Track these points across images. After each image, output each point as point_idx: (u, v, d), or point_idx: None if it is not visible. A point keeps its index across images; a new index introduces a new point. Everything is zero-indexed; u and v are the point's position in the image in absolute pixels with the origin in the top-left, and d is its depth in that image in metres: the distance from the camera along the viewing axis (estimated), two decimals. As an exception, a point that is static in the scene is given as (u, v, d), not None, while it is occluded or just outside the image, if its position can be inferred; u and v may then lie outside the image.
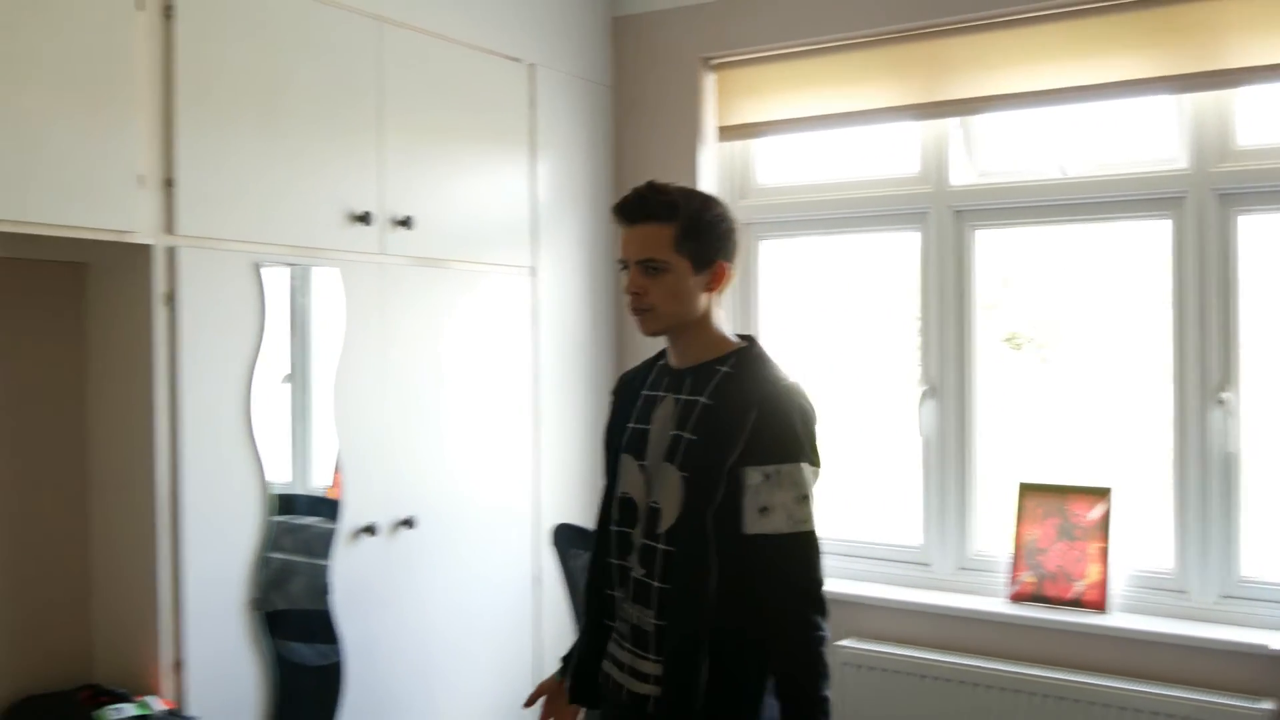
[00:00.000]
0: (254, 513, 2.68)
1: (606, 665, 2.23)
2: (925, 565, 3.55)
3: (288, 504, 2.88)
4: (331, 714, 2.87)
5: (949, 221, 3.49)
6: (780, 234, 3.84)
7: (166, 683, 2.54)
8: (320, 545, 2.88)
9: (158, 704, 2.44)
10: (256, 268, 2.68)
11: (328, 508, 2.93)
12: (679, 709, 2.03)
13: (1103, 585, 3.21)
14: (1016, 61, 3.31)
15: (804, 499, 2.03)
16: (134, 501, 2.56)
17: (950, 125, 3.49)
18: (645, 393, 2.23)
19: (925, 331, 3.56)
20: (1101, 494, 3.27)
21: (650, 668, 2.10)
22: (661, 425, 2.15)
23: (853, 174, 3.71)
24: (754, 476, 2.02)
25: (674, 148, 3.76)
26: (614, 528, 2.20)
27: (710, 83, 3.77)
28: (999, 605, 3.34)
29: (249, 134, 2.65)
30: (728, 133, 3.78)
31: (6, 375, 2.57)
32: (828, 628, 2.02)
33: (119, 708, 2.38)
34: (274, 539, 2.73)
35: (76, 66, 2.33)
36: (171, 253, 2.50)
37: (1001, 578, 3.40)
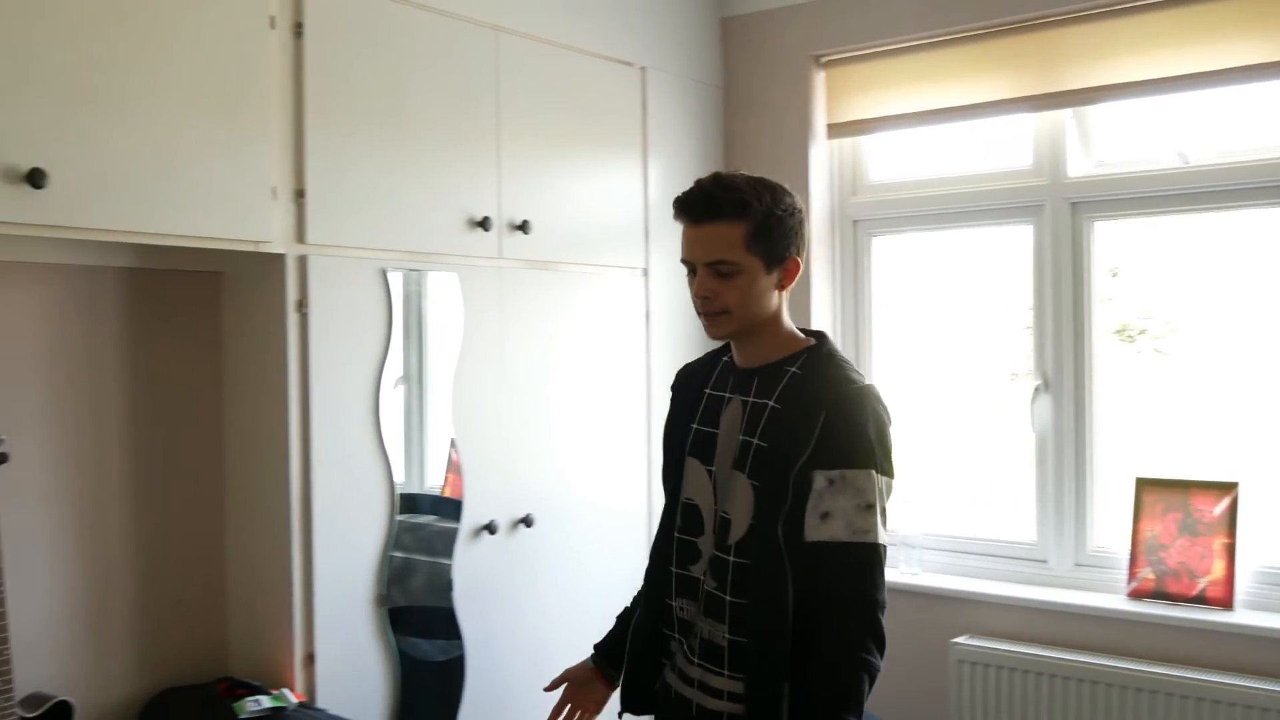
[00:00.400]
0: (381, 512, 2.76)
1: (670, 678, 2.16)
2: (1041, 562, 3.52)
3: (411, 503, 2.96)
4: (454, 707, 2.95)
5: (1065, 213, 3.45)
6: (891, 230, 3.83)
7: (298, 676, 2.63)
8: (442, 543, 2.96)
9: (291, 697, 2.53)
10: (383, 273, 2.76)
11: (449, 507, 3.01)
12: None
13: (1228, 582, 3.15)
14: (1132, 49, 3.26)
15: (868, 508, 1.91)
16: (268, 502, 2.66)
17: (1065, 116, 3.45)
18: (710, 392, 2.13)
19: (1039, 325, 3.53)
20: (1227, 488, 3.20)
21: (725, 684, 2.02)
22: (729, 429, 2.05)
23: (964, 168, 3.68)
24: (819, 481, 1.91)
25: (784, 146, 3.77)
26: (677, 535, 2.12)
27: (820, 80, 3.78)
28: (1118, 602, 3.30)
29: (373, 144, 2.73)
30: (837, 130, 3.78)
31: (149, 381, 2.68)
32: (878, 657, 1.90)
33: (256, 699, 2.47)
34: (398, 537, 2.82)
35: (214, 84, 2.42)
36: (302, 261, 2.59)
37: (1120, 574, 3.35)
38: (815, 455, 1.91)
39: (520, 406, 3.14)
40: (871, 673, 1.90)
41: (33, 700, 2.30)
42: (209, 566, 2.79)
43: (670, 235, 3.60)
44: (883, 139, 3.81)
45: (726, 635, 2.01)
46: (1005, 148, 3.61)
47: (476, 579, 3.00)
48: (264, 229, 2.52)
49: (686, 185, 3.61)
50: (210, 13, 2.41)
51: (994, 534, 3.65)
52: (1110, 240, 3.48)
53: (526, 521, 3.12)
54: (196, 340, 2.76)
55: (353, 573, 2.72)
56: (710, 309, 2.02)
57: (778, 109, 3.81)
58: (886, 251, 3.86)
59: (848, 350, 3.83)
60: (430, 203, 2.87)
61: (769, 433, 1.98)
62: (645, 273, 3.57)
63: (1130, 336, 3.57)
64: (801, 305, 3.74)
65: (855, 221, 3.84)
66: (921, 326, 3.87)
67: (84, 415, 2.57)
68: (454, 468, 3.02)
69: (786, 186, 2.05)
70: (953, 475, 3.79)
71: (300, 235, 2.58)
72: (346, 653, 2.71)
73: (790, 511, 1.91)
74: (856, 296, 3.85)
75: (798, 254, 2.05)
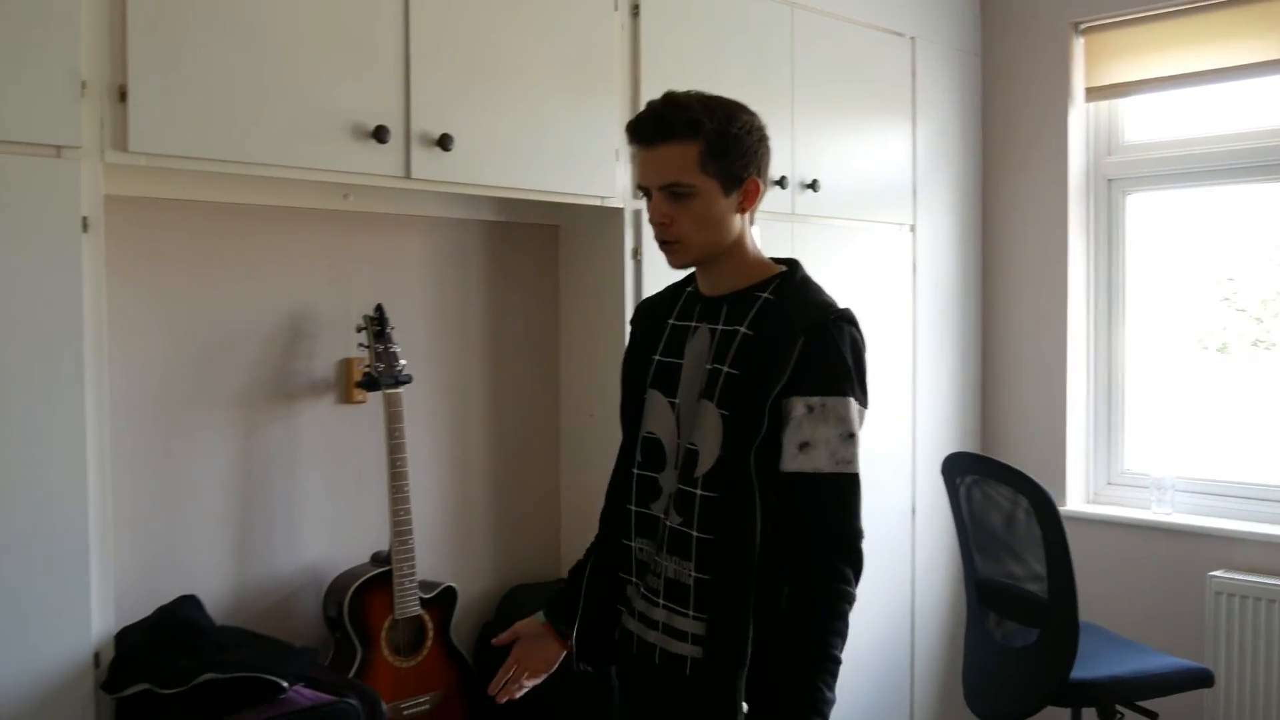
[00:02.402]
0: (696, 437, 3.13)
1: (630, 623, 2.02)
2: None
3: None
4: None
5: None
6: (1148, 187, 4.00)
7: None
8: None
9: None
10: (700, 226, 3.11)
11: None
12: (722, 671, 1.83)
13: None
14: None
15: (850, 437, 1.83)
16: (597, 429, 3.05)
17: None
18: (674, 323, 2.03)
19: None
20: None
21: (690, 625, 1.90)
22: (696, 359, 1.95)
23: (1222, 127, 3.83)
24: (798, 408, 1.81)
25: (1042, 111, 3.99)
26: (637, 471, 2.01)
27: (1079, 46, 3.97)
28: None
29: (691, 111, 3.08)
30: (1096, 93, 3.97)
31: (501, 319, 3.12)
32: (856, 586, 1.85)
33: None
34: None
35: (569, 61, 2.81)
36: (638, 214, 2.97)
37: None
38: (793, 381, 1.82)
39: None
40: (850, 603, 1.84)
41: (424, 585, 2.74)
42: (546, 484, 3.22)
43: (934, 195, 3.89)
44: (1137, 101, 3.98)
45: (693, 573, 1.89)
46: (1262, 108, 3.75)
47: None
48: (607, 185, 2.90)
49: (949, 148, 3.97)
50: (568, -1, 2.80)
51: (1249, 477, 3.81)
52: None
53: (813, 453, 3.44)
54: (538, 284, 3.18)
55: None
56: (667, 236, 1.91)
57: (1035, 75, 4.02)
58: (1140, 210, 4.03)
59: (1101, 305, 4.04)
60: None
61: (741, 360, 1.88)
62: (913, 229, 3.84)
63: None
64: (1058, 262, 3.97)
65: (1110, 180, 4.03)
66: (1180, 283, 4.03)
67: (454, 349, 3.02)
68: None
69: (745, 105, 1.96)
70: (1208, 421, 3.96)
71: (635, 192, 2.95)
72: None
73: (764, 441, 1.82)
74: (1110, 253, 4.04)
75: (758, 175, 1.94)
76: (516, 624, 2.21)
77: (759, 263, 2.00)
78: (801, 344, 1.83)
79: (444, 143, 2.52)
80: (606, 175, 2.89)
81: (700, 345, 1.95)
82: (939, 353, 3.98)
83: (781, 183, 3.30)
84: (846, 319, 1.91)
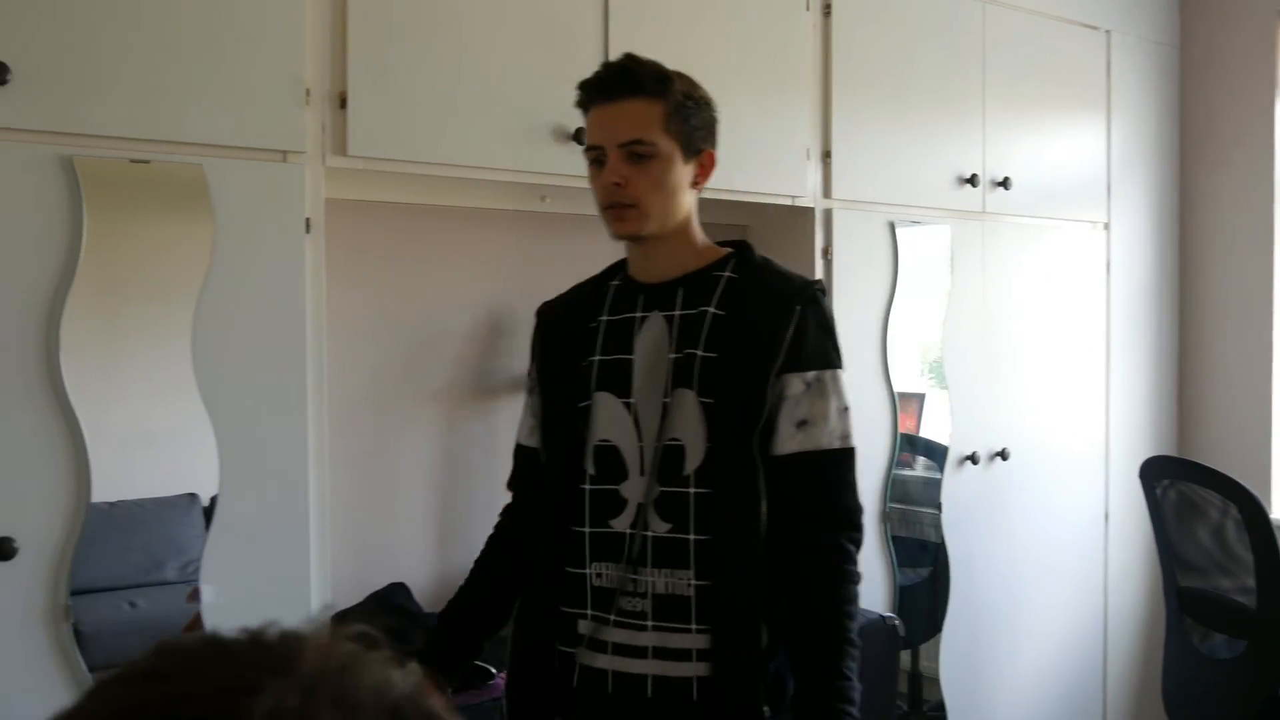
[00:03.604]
0: (886, 437, 3.11)
1: (599, 659, 1.77)
2: None
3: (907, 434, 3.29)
4: (939, 618, 3.25)
5: None
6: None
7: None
8: (933, 469, 3.27)
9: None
10: (891, 226, 3.09)
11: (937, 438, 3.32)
12: (739, 683, 1.69)
13: None
14: None
15: (846, 410, 1.76)
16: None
17: None
18: (608, 319, 1.85)
19: None
20: None
21: (693, 641, 1.71)
22: (653, 348, 1.78)
23: None
24: (794, 385, 1.72)
25: (1245, 105, 3.83)
26: (589, 487, 1.78)
27: (1286, 35, 3.82)
28: None
29: (882, 110, 3.06)
30: (1303, 83, 3.81)
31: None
32: (859, 564, 1.76)
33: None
34: (897, 461, 3.15)
35: (758, 61, 2.82)
36: (828, 214, 2.96)
37: None
38: (789, 358, 1.72)
39: (997, 350, 3.40)
40: (858, 582, 1.74)
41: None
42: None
43: (1129, 192, 3.77)
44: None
45: (693, 581, 1.71)
46: None
47: (959, 503, 3.30)
48: (799, 185, 2.90)
49: (1145, 144, 3.85)
50: (760, 0, 2.81)
51: None
52: None
53: (1003, 455, 3.39)
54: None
55: (863, 491, 3.05)
56: (619, 198, 1.75)
57: (1238, 67, 3.86)
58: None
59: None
60: (927, 162, 3.18)
61: (718, 341, 1.74)
62: (1106, 227, 3.73)
63: None
64: (1262, 262, 3.81)
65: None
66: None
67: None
68: (924, 403, 3.33)
69: None
70: None
71: (826, 191, 2.95)
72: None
73: (765, 425, 1.72)
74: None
75: (713, 149, 1.85)
76: None
77: (706, 245, 1.87)
78: (798, 317, 1.73)
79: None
80: (798, 175, 2.90)
81: (655, 334, 1.79)
82: (1133, 354, 3.86)
83: (972, 180, 3.25)
84: (824, 290, 1.82)
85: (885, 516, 3.11)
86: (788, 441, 1.72)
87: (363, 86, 2.21)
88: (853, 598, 1.72)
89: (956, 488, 3.29)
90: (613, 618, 1.75)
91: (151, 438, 2.16)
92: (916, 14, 3.14)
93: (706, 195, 2.74)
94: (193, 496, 2.17)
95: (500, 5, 2.41)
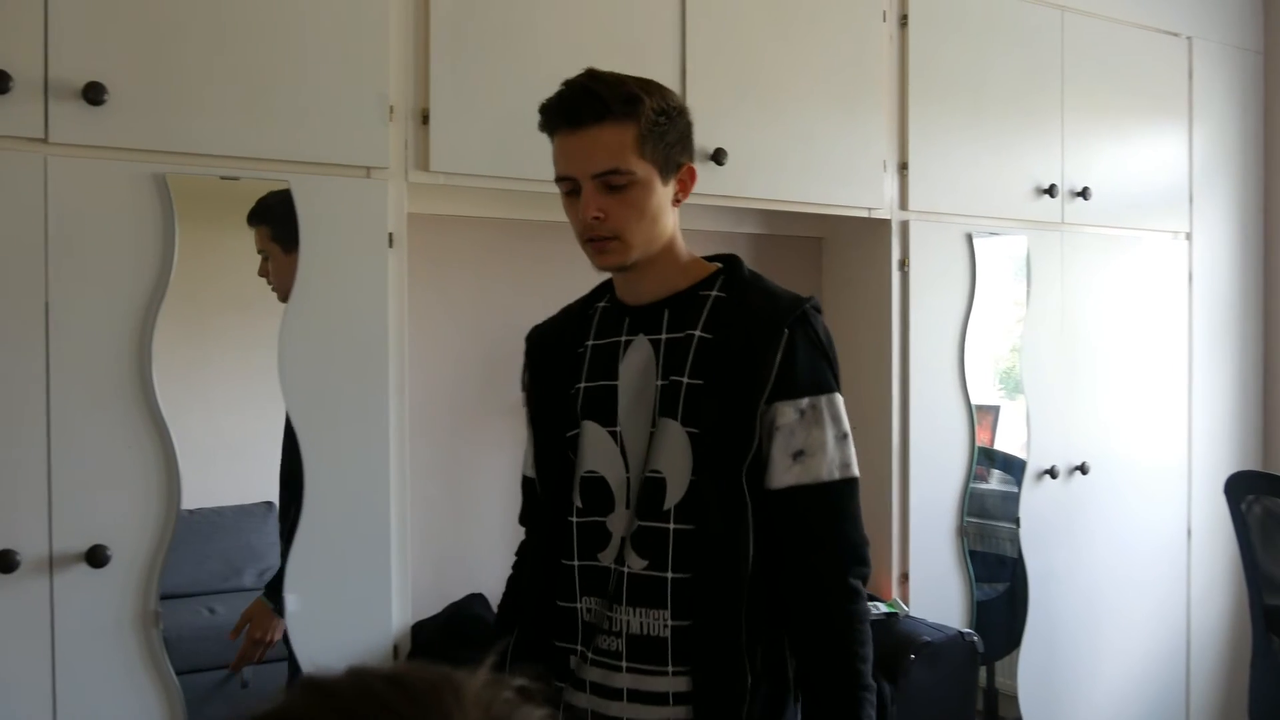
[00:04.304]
0: (963, 451, 3.08)
1: (580, 698, 1.70)
2: None
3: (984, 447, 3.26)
4: (1018, 634, 3.21)
5: None
6: None
7: (894, 592, 2.99)
8: (1011, 484, 3.24)
9: (904, 605, 2.89)
10: (968, 236, 3.07)
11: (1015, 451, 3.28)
12: None
13: None
14: None
15: (845, 437, 1.65)
16: (872, 438, 3.01)
17: None
18: (594, 344, 1.76)
19: None
20: None
21: (669, 684, 1.63)
22: (639, 375, 1.69)
23: None
24: (787, 414, 1.61)
25: (1333, 109, 3.76)
26: (577, 520, 1.71)
27: (1375, 40, 3.73)
28: None
29: (958, 121, 3.04)
30: (1394, 89, 3.72)
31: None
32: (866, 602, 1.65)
33: (876, 605, 2.84)
34: (974, 475, 3.12)
35: (834, 72, 2.81)
36: (904, 225, 2.95)
37: None
38: (779, 385, 1.61)
39: (1076, 363, 3.36)
40: (868, 620, 1.63)
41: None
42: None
43: (1211, 202, 3.71)
44: None
45: (669, 621, 1.63)
46: None
47: (1038, 518, 3.25)
48: (876, 197, 2.89)
49: (1228, 152, 3.77)
50: (837, 11, 2.81)
51: None
52: None
53: (1083, 469, 3.34)
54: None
55: (940, 505, 3.05)
56: (599, 232, 1.63)
57: (1326, 71, 3.79)
58: None
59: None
60: (1004, 172, 3.15)
61: (703, 368, 1.64)
62: (1188, 237, 3.67)
63: None
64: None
65: None
66: None
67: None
68: (998, 416, 3.29)
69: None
70: None
71: (903, 202, 2.94)
72: (934, 575, 3.04)
73: (754, 457, 1.60)
74: None
75: (691, 161, 1.71)
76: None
77: (692, 260, 1.74)
78: (785, 341, 1.61)
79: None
80: (875, 186, 2.88)
81: (641, 359, 1.69)
82: (1217, 366, 3.79)
83: (1051, 191, 3.22)
84: (818, 307, 1.70)
85: (962, 531, 3.08)
86: (784, 474, 1.61)
87: (444, 103, 2.25)
88: (865, 639, 1.61)
89: (1035, 502, 3.24)
90: (590, 655, 1.69)
91: (231, 446, 2.21)
92: (994, 23, 3.11)
93: (780, 207, 2.79)
94: (269, 505, 2.23)
95: (578, 22, 2.44)
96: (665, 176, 1.65)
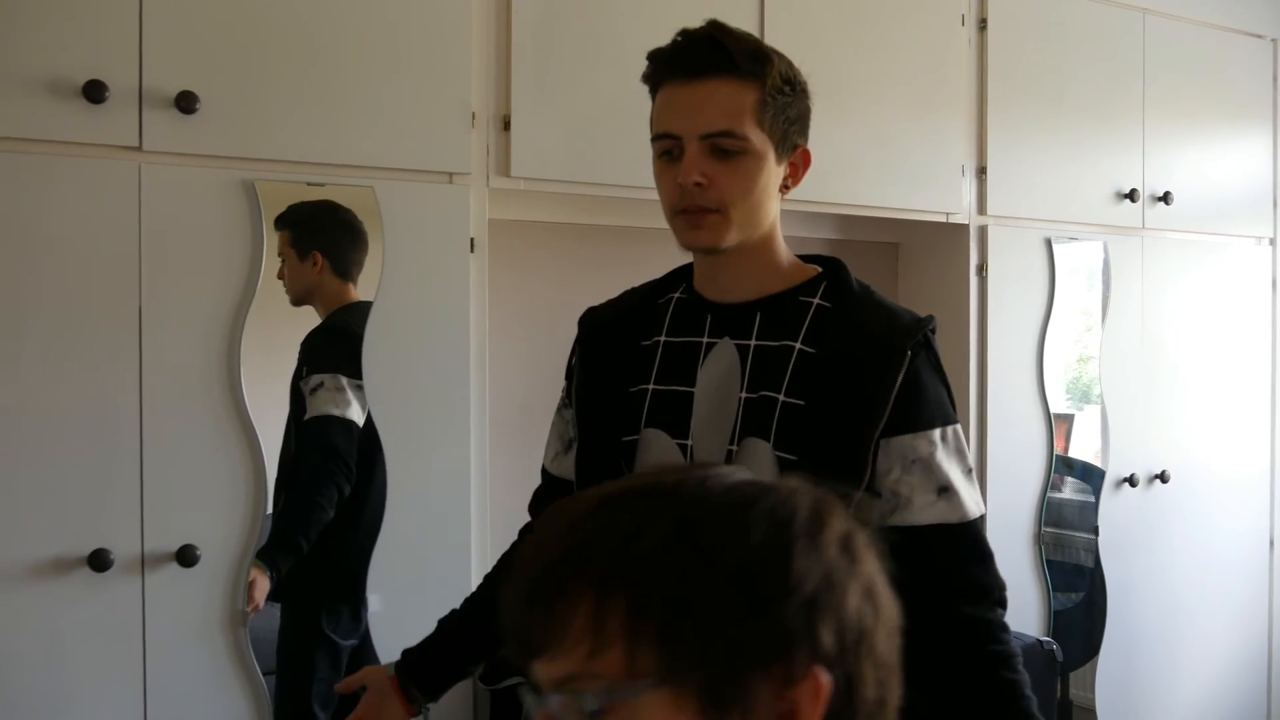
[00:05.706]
0: (1041, 457, 3.04)
1: None
2: None
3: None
4: (1095, 644, 3.17)
5: None
6: None
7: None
8: (1089, 492, 3.19)
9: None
10: (1047, 241, 3.03)
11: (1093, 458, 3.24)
12: None
13: None
14: None
15: (971, 471, 1.48)
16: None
17: None
18: (667, 339, 1.54)
19: None
20: None
21: None
22: (719, 384, 1.48)
23: None
24: (921, 446, 1.42)
25: None
26: None
27: None
28: None
29: (1038, 125, 3.00)
30: None
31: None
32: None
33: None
34: (1052, 482, 3.08)
35: (912, 77, 2.79)
36: (983, 230, 2.92)
37: None
38: (904, 414, 1.42)
39: (1156, 369, 3.30)
40: (1022, 663, 1.46)
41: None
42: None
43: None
44: None
45: None
46: None
47: (1118, 527, 3.20)
48: (954, 202, 2.87)
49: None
50: (915, 15, 2.79)
51: None
52: None
53: (1163, 477, 3.28)
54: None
55: (1017, 513, 3.01)
56: (699, 201, 1.42)
57: None
58: None
59: None
60: (1084, 177, 3.11)
61: (804, 386, 1.43)
62: (1273, 242, 3.60)
63: None
64: None
65: None
66: None
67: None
68: (1073, 424, 3.25)
69: None
70: None
71: (981, 207, 2.91)
72: (1011, 583, 2.86)
73: (865, 493, 1.41)
74: None
75: (806, 144, 1.52)
76: (366, 669, 1.70)
77: (793, 261, 1.54)
78: (908, 365, 1.41)
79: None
80: (953, 191, 2.86)
81: (724, 366, 1.48)
82: (1301, 374, 3.72)
83: (1132, 195, 3.17)
84: (935, 329, 1.50)
85: (1039, 540, 3.04)
86: (924, 510, 1.42)
87: (526, 109, 2.26)
88: (1028, 687, 1.44)
89: (1114, 510, 3.20)
90: None
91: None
92: (1074, 27, 3.08)
93: (858, 212, 2.77)
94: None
95: (658, 27, 2.41)
96: (780, 154, 1.46)
